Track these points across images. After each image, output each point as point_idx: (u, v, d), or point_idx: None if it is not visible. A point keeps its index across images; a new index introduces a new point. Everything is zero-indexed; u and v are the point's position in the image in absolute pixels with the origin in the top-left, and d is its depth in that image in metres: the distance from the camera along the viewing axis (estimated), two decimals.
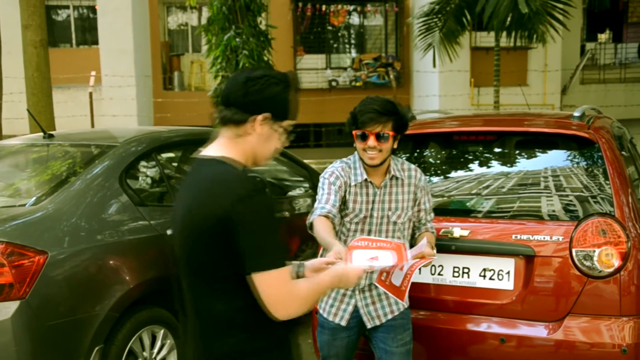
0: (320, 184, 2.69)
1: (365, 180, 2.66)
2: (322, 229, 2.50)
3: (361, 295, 2.71)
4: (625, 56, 15.46)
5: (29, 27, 7.23)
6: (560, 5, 8.55)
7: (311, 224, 2.58)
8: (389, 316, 2.74)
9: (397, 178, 2.72)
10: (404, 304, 2.77)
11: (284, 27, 14.80)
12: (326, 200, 2.60)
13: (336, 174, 2.66)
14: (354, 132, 2.64)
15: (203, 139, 4.41)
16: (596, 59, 15.44)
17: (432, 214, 2.88)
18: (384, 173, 2.70)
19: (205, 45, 10.99)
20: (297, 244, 4.59)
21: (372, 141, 2.59)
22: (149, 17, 15.37)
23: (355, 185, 2.66)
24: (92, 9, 14.95)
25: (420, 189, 2.77)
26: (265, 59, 10.64)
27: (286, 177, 5.24)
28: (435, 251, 2.57)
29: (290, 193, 5.05)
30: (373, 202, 2.66)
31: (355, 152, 2.71)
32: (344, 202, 2.65)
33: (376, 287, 2.68)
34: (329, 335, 2.76)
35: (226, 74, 10.37)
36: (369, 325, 2.72)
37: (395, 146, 2.67)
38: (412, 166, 2.81)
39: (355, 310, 2.72)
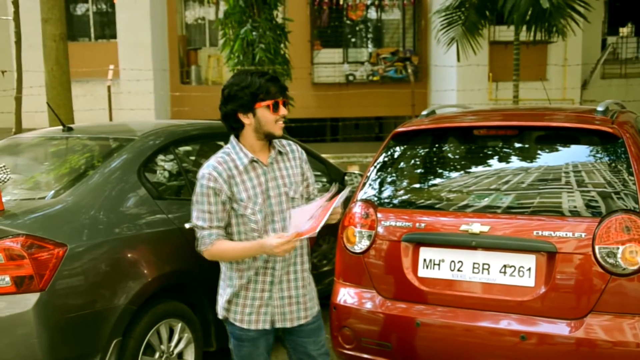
0: (197, 192, 2.51)
1: (252, 160, 2.53)
2: (230, 245, 2.50)
3: (279, 294, 2.59)
4: None
5: (49, 21, 7.27)
6: None
7: (208, 253, 2.52)
8: (302, 321, 2.64)
9: (282, 153, 2.63)
10: (317, 308, 2.73)
11: (301, 21, 14.77)
12: (210, 220, 2.48)
13: (213, 175, 2.48)
14: (262, 104, 2.48)
15: (220, 133, 4.47)
16: (618, 53, 15.22)
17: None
18: (267, 149, 2.59)
19: (221, 39, 11.00)
20: (313, 240, 4.57)
21: (285, 110, 2.52)
22: (166, 11, 15.43)
23: (241, 172, 2.51)
24: (111, 3, 15.03)
25: (304, 162, 2.69)
26: (282, 52, 10.63)
27: None
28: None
29: None
30: (266, 181, 2.54)
31: (232, 140, 2.58)
32: (233, 201, 2.51)
33: (295, 288, 2.61)
34: (250, 347, 2.60)
35: (243, 68, 10.37)
36: (278, 325, 2.61)
37: None
38: (290, 141, 2.74)
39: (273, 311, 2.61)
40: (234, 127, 2.55)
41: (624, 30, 15.53)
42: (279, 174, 2.58)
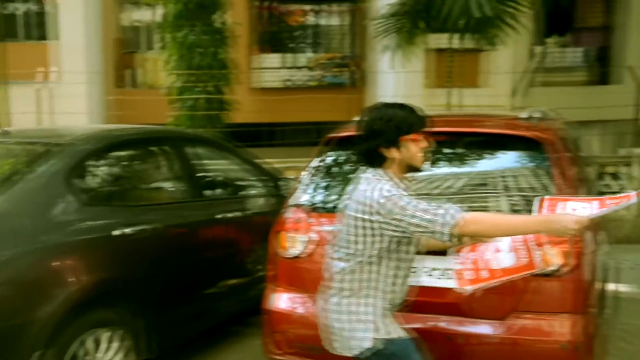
0: (398, 204, 2.28)
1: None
2: (498, 215, 2.46)
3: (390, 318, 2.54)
4: (573, 60, 15.91)
5: None
6: (512, 10, 8.73)
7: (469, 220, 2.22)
8: None
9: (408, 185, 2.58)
10: None
11: (241, 26, 14.69)
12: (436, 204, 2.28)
13: (397, 188, 2.36)
14: (407, 137, 2.37)
15: (156, 137, 4.40)
16: (546, 62, 15.83)
17: None
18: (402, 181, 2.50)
19: (158, 43, 10.84)
20: (249, 243, 4.57)
21: (426, 142, 2.43)
22: (101, 14, 15.04)
23: None
24: (41, 3, 14.55)
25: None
26: (221, 57, 10.55)
27: (240, 176, 5.19)
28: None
29: (242, 192, 5.00)
30: None
31: (379, 172, 2.42)
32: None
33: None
34: (419, 353, 2.47)
35: (182, 72, 10.24)
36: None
37: None
38: None
39: None
40: (377, 162, 2.41)
41: (551, 41, 16.17)
42: None
